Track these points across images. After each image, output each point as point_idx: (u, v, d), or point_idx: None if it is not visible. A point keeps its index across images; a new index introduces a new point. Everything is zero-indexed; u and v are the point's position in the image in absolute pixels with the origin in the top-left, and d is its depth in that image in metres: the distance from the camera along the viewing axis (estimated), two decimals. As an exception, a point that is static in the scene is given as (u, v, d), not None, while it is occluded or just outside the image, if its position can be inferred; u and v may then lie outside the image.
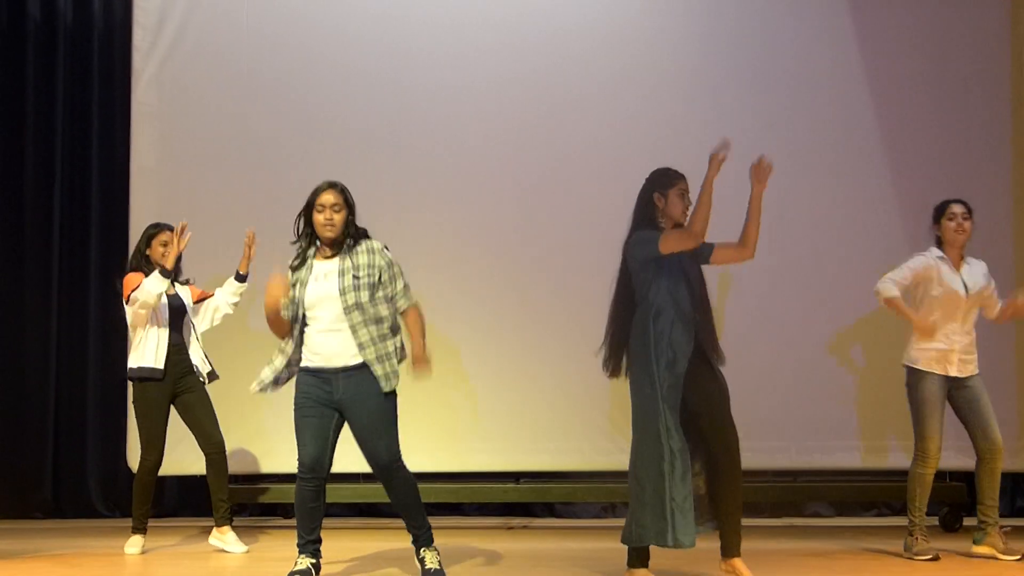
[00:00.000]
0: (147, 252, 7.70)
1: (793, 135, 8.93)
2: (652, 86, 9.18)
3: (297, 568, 5.91)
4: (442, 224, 9.09)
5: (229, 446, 8.36)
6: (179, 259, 7.67)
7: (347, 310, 5.91)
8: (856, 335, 8.81)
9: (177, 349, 7.69)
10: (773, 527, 8.65)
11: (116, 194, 9.82)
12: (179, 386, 7.70)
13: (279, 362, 6.04)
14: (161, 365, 7.57)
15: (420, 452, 8.29)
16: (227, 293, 7.80)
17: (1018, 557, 6.67)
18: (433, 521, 8.81)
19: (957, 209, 6.91)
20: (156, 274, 7.44)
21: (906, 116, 9.03)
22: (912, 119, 9.02)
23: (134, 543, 7.62)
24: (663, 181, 5.95)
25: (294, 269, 6.06)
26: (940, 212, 6.99)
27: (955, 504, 8.39)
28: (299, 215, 6.10)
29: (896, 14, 9.15)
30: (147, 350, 7.60)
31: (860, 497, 9.21)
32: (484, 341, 9.04)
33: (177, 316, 7.75)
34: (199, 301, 7.91)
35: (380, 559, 7.14)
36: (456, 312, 8.97)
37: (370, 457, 5.97)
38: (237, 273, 7.75)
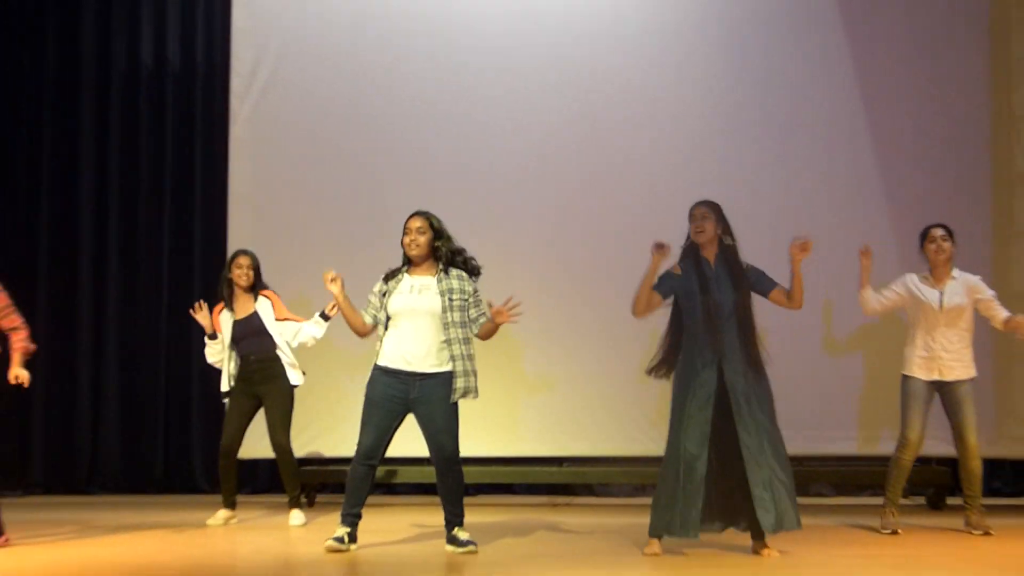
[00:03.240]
0: (229, 275, 7.75)
1: (797, 144, 9.00)
2: (678, 108, 9.15)
3: (335, 535, 6.09)
4: (498, 244, 8.86)
5: (316, 432, 8.57)
6: (258, 273, 7.79)
7: (446, 325, 6.10)
8: (856, 342, 8.81)
9: (256, 361, 7.68)
10: None
11: (216, 217, 9.88)
12: (261, 390, 7.73)
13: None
14: (226, 387, 7.74)
15: (479, 440, 8.37)
16: (312, 328, 7.67)
17: (982, 532, 6.76)
18: (488, 499, 9.06)
19: (936, 233, 6.97)
20: (207, 341, 7.75)
21: (899, 138, 8.99)
22: (903, 142, 8.99)
23: (217, 516, 7.72)
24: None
25: (386, 279, 6.24)
26: (923, 237, 7.05)
27: (940, 486, 8.41)
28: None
29: (889, 38, 9.10)
30: (224, 371, 7.77)
31: (857, 480, 9.14)
32: (532, 347, 9.02)
33: (250, 335, 7.72)
34: (283, 319, 7.76)
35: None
36: (508, 324, 8.97)
37: (437, 450, 6.11)
38: (323, 312, 7.63)
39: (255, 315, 7.77)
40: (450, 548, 6.15)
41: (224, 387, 7.80)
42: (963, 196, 8.76)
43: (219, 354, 7.80)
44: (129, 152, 10.54)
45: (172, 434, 10.28)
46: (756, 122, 9.13)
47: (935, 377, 6.90)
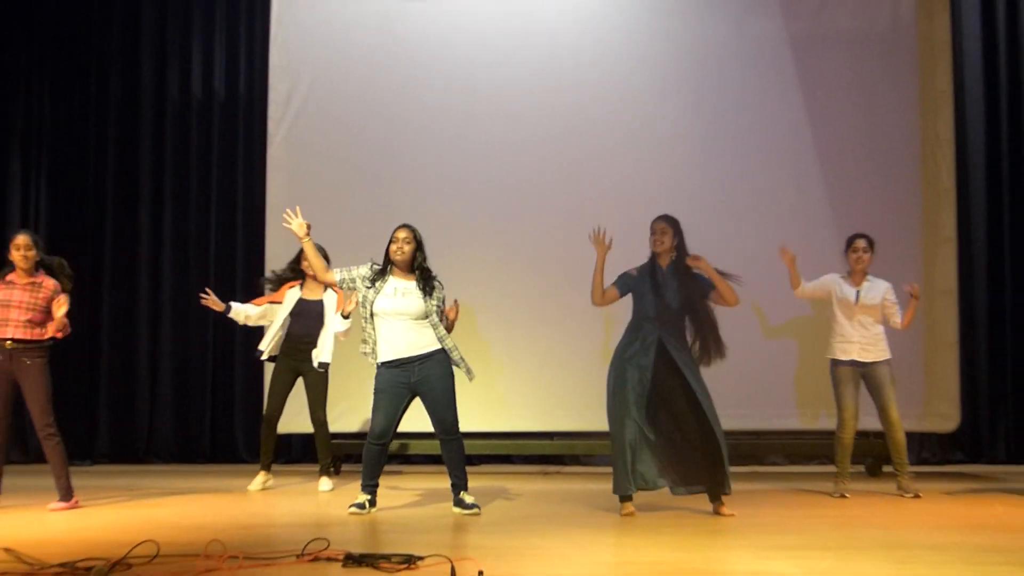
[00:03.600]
0: (298, 266, 7.80)
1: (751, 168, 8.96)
2: (655, 131, 9.15)
3: (356, 501, 6.18)
4: (503, 243, 9.15)
5: (345, 410, 8.59)
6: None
7: (428, 315, 6.19)
8: (795, 333, 8.83)
9: (306, 342, 7.67)
10: (743, 473, 8.55)
11: (256, 224, 9.91)
12: (302, 368, 7.72)
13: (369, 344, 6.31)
14: (264, 347, 7.72)
15: (478, 417, 8.51)
16: (337, 324, 7.64)
17: (912, 495, 6.82)
18: (487, 468, 9.07)
19: (859, 244, 7.13)
20: (234, 306, 7.83)
21: (843, 157, 8.98)
22: (846, 161, 8.96)
23: (256, 481, 7.73)
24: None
25: (372, 279, 6.30)
26: (848, 245, 7.21)
27: (876, 456, 8.41)
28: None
29: (834, 74, 9.08)
30: (269, 340, 7.76)
31: (805, 451, 9.19)
32: (525, 334, 9.04)
33: (308, 316, 7.73)
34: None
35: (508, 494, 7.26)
36: (502, 313, 9.07)
37: (440, 423, 6.20)
38: (343, 312, 7.57)
39: (320, 302, 7.79)
40: (457, 510, 6.20)
41: (263, 346, 7.79)
42: (897, 207, 8.79)
43: (244, 319, 7.88)
44: (181, 169, 10.60)
45: (218, 412, 10.31)
46: (718, 143, 9.10)
47: (854, 357, 7.01)
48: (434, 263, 6.46)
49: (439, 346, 6.25)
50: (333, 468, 8.42)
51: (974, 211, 9.53)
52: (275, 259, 8.79)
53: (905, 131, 8.98)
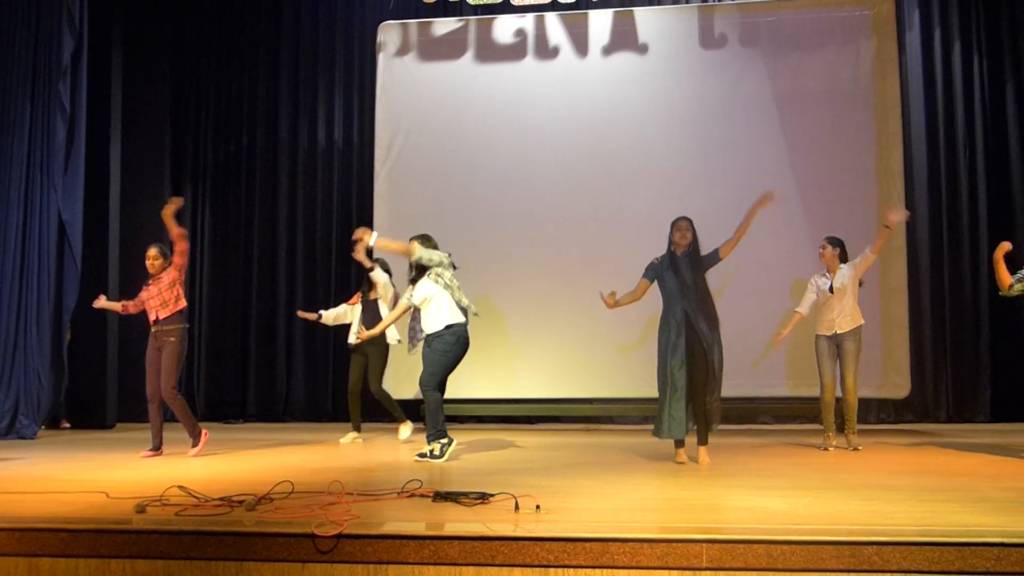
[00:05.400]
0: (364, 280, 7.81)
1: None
2: (670, 172, 9.09)
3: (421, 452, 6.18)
4: (546, 254, 9.13)
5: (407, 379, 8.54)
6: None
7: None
8: (782, 318, 8.69)
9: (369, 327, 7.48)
10: (737, 431, 8.61)
11: None
12: (368, 350, 7.65)
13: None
14: (353, 340, 7.69)
15: (534, 385, 8.63)
16: (393, 331, 7.64)
17: (852, 448, 6.70)
18: (541, 427, 9.03)
19: (823, 245, 6.99)
20: (322, 314, 7.96)
21: (816, 183, 8.94)
22: (820, 186, 8.93)
23: (347, 436, 7.75)
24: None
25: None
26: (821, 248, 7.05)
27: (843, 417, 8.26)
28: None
29: (808, 116, 9.04)
30: (353, 333, 7.75)
31: (791, 412, 9.07)
32: (570, 318, 8.96)
33: (370, 312, 7.71)
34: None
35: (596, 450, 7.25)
36: (555, 303, 9.04)
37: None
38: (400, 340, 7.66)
39: (377, 302, 7.80)
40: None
41: (351, 340, 7.79)
42: (860, 223, 8.71)
43: (334, 321, 8.00)
44: (309, 199, 10.62)
45: (337, 381, 10.21)
46: (718, 177, 9.03)
47: (834, 331, 6.83)
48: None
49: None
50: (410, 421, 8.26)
51: (919, 225, 9.38)
52: (379, 268, 8.81)
53: (865, 165, 8.96)
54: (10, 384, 8.39)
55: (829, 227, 8.33)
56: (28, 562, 3.53)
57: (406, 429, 7.81)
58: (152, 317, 6.67)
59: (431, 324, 6.22)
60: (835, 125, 9.01)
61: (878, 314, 8.59)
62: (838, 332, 6.81)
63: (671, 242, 6.00)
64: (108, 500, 4.25)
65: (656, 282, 6.03)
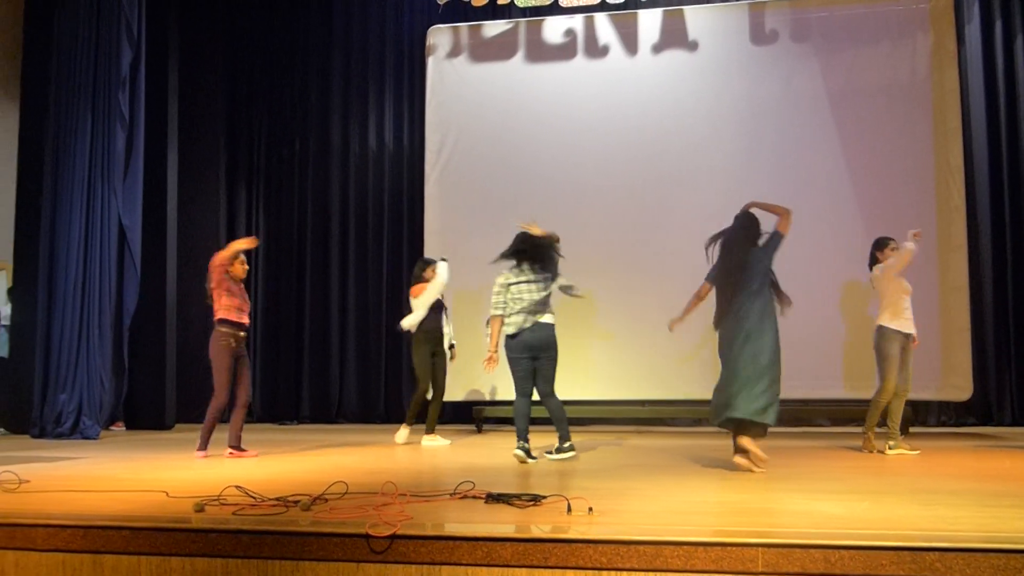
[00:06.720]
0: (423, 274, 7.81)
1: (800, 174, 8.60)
2: (727, 167, 9.02)
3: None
4: (595, 254, 9.04)
5: (473, 383, 8.60)
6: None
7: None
8: (843, 315, 8.69)
9: (436, 326, 7.68)
10: (794, 432, 8.52)
11: (416, 243, 9.98)
12: (435, 349, 7.70)
13: None
14: (411, 330, 7.67)
15: (587, 387, 8.59)
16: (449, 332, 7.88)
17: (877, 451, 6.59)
18: (594, 428, 8.95)
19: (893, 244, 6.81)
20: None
21: (874, 179, 8.83)
22: (878, 183, 8.81)
23: (400, 435, 7.77)
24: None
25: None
26: (884, 246, 6.86)
27: (905, 419, 8.05)
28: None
29: (865, 115, 8.91)
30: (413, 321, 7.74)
31: (846, 415, 8.92)
32: (624, 323, 9.00)
33: (439, 308, 7.76)
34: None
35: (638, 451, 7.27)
36: (611, 307, 9.05)
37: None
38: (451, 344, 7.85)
39: (440, 302, 7.83)
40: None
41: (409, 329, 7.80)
42: (917, 222, 8.30)
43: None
44: (361, 199, 10.71)
45: (389, 384, 10.35)
46: (774, 173, 8.95)
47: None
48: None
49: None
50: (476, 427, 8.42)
51: (981, 224, 9.20)
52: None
53: (922, 161, 8.81)
54: (74, 386, 8.61)
55: (883, 226, 8.21)
56: (92, 558, 3.62)
57: (404, 432, 7.84)
58: (246, 321, 6.80)
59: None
60: (891, 122, 8.88)
61: (937, 315, 8.44)
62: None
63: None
64: (168, 499, 4.33)
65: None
